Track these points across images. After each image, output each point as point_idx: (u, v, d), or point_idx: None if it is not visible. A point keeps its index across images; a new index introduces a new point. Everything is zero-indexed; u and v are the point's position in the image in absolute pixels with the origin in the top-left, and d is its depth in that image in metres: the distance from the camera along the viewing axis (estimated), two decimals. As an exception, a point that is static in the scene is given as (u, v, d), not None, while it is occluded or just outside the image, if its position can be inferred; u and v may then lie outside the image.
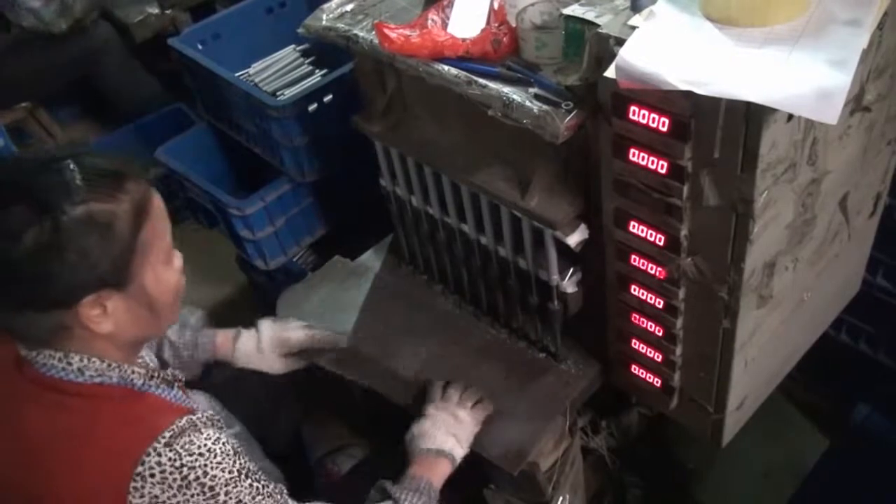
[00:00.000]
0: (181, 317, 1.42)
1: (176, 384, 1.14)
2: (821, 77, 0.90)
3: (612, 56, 1.00)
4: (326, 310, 1.71)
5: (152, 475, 0.95)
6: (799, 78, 0.91)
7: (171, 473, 0.96)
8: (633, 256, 1.25)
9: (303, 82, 1.99)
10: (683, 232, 1.14)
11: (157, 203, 1.03)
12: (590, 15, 1.11)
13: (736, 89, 0.91)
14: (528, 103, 1.15)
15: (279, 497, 1.08)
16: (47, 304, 0.96)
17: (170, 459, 0.96)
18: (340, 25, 1.40)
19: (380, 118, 1.49)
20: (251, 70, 2.06)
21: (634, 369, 1.42)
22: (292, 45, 2.10)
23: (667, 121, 1.04)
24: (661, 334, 1.31)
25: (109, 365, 1.02)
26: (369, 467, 1.55)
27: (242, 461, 1.03)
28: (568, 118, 1.12)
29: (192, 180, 1.95)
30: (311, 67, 2.06)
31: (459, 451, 1.35)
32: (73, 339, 1.00)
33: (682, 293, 1.22)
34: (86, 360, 1.00)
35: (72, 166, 0.94)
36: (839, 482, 1.75)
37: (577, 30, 1.13)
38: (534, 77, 1.18)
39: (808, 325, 1.49)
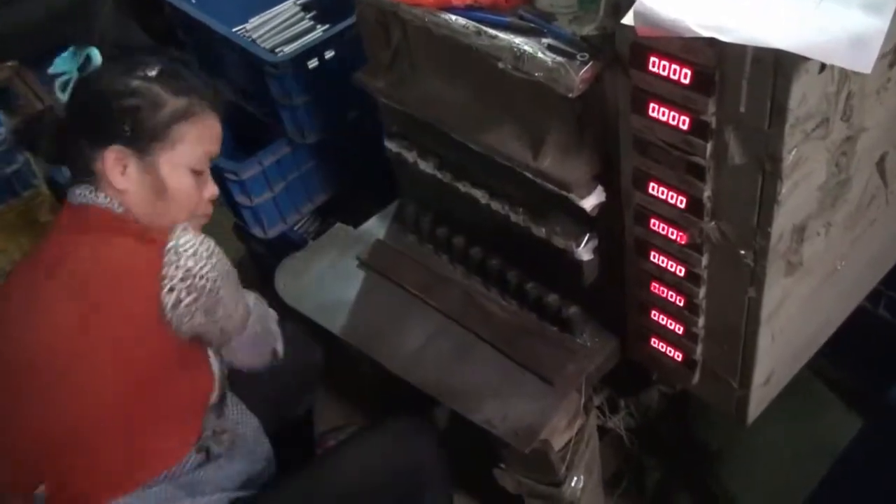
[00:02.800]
0: None
1: None
2: (854, 23, 0.88)
3: (631, 2, 0.99)
4: (327, 280, 1.71)
5: (185, 250, 1.19)
6: (831, 24, 0.89)
7: (196, 246, 1.20)
8: (652, 220, 1.24)
9: (303, 38, 1.98)
10: (707, 193, 1.13)
11: (210, 123, 1.32)
12: (608, -42, 1.09)
13: (763, 36, 0.90)
14: (540, 55, 1.14)
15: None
16: (97, 136, 1.24)
17: (187, 240, 1.21)
18: (341, -27, 1.39)
19: (384, 73, 1.49)
20: (248, 25, 2.05)
21: (654, 342, 1.42)
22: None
23: (689, 72, 1.03)
24: (682, 304, 1.31)
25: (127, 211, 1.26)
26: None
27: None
28: (583, 70, 1.11)
29: (186, 142, 1.94)
30: (312, 23, 2.05)
31: None
32: (105, 184, 1.25)
33: (704, 260, 1.22)
34: (111, 199, 1.25)
35: (164, 64, 1.29)
36: (871, 466, 1.74)
37: (594, -25, 1.12)
38: (547, 27, 1.17)
39: (841, 297, 1.48)
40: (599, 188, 1.29)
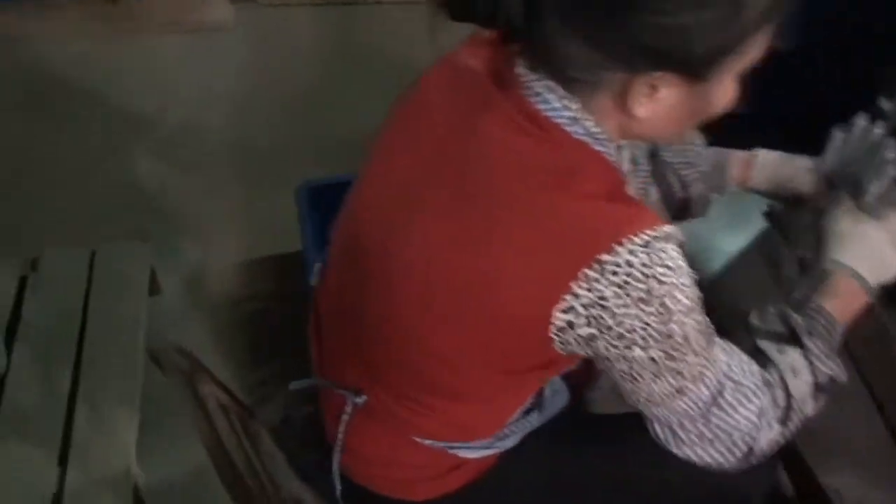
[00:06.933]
0: None
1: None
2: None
3: None
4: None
5: (615, 273, 0.86)
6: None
7: (636, 281, 0.86)
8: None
9: None
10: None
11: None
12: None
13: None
14: None
15: (710, 336, 0.97)
16: (620, 57, 0.85)
17: (643, 263, 0.86)
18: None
19: None
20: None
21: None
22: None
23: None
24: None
25: (602, 130, 0.91)
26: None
27: (697, 290, 0.93)
28: None
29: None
30: None
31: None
32: (588, 98, 0.89)
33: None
34: (585, 114, 0.89)
35: None
36: None
37: None
38: None
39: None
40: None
